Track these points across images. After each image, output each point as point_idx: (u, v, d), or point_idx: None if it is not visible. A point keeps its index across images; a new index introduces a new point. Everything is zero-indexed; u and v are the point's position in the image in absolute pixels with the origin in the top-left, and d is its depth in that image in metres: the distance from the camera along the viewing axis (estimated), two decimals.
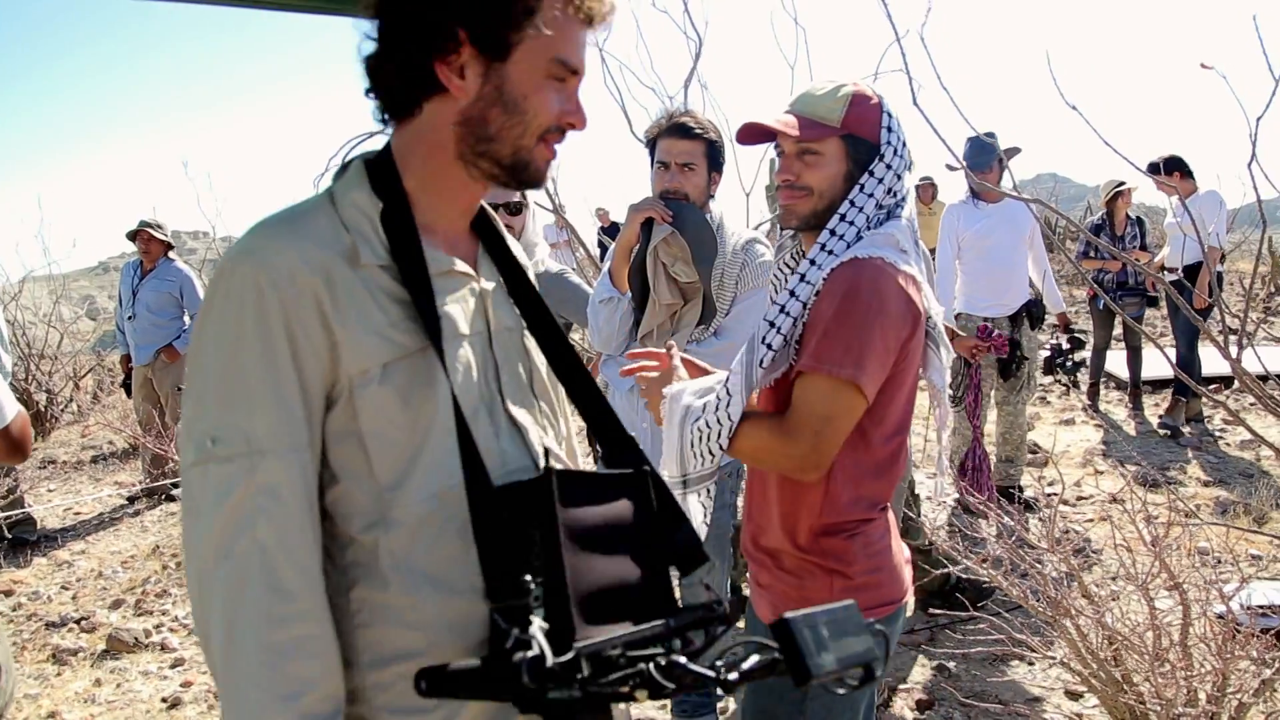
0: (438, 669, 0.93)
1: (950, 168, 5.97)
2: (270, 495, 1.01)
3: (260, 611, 1.00)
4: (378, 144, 1.19)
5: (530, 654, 0.87)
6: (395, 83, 1.11)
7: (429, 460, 1.10)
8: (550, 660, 0.86)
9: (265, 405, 1.02)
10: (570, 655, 0.87)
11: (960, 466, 4.51)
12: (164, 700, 3.60)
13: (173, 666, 3.89)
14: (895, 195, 1.73)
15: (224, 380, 1.03)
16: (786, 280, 1.90)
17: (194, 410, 1.04)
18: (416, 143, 1.14)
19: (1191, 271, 6.30)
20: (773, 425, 1.65)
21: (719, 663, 0.90)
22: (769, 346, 1.67)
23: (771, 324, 1.68)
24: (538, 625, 0.91)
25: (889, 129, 1.71)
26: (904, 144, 1.73)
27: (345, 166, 1.17)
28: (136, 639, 4.05)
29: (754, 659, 0.91)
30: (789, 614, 0.88)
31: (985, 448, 4.53)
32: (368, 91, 1.14)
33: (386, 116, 1.15)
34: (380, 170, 1.14)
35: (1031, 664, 3.43)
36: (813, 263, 1.68)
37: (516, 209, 3.08)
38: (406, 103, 1.12)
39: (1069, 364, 5.18)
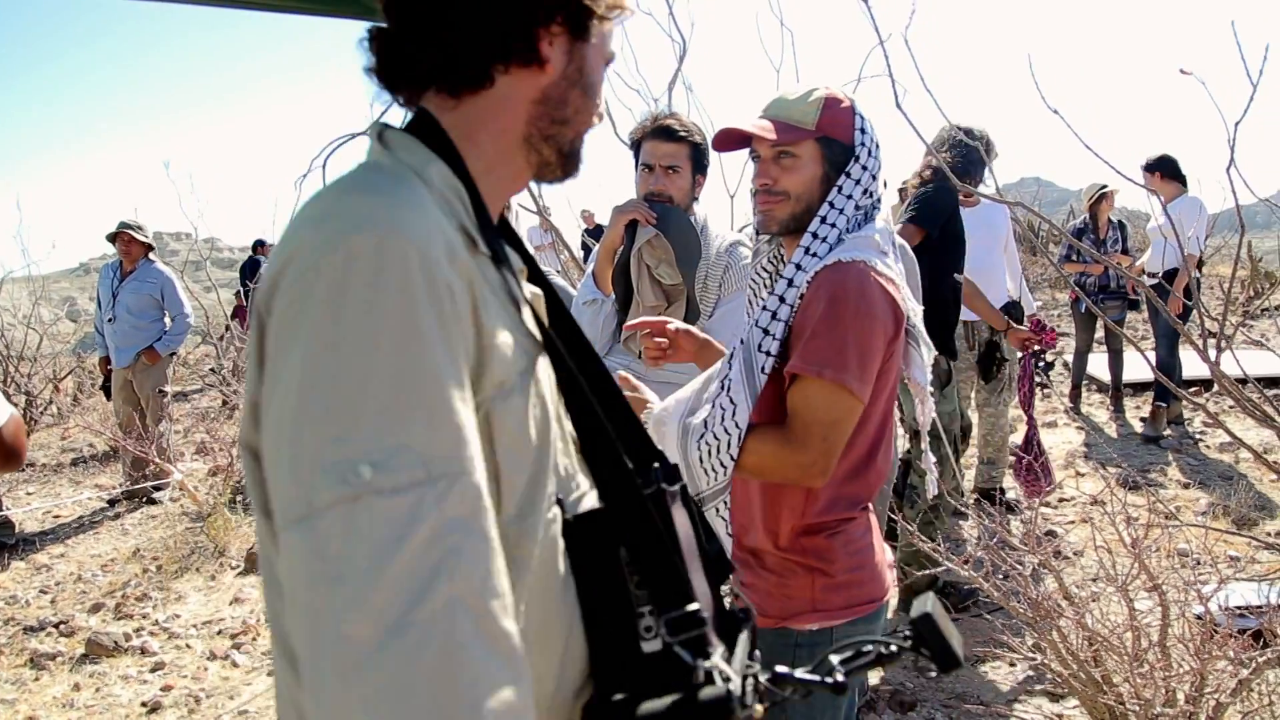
0: None
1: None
2: (466, 530, 0.77)
3: (479, 687, 0.73)
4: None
5: (732, 686, 0.83)
6: (478, 46, 0.96)
7: (548, 484, 0.94)
8: (739, 688, 0.84)
9: (448, 415, 0.79)
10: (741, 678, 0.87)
11: (1021, 454, 4.54)
12: (144, 705, 3.57)
13: (153, 670, 3.86)
14: (871, 196, 1.76)
15: (384, 386, 0.77)
16: (770, 285, 1.91)
17: (324, 430, 0.75)
18: (488, 118, 0.99)
19: (1171, 277, 6.35)
20: (779, 436, 1.65)
21: (820, 665, 0.93)
22: (768, 354, 1.68)
23: (766, 331, 1.70)
24: (720, 655, 0.86)
25: (862, 130, 1.73)
26: (877, 145, 1.75)
27: (379, 135, 0.98)
28: (116, 643, 4.02)
29: (850, 658, 0.94)
30: (928, 609, 0.94)
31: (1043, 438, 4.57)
32: (417, 56, 0.97)
33: (450, 87, 0.98)
34: (441, 146, 0.96)
35: (1013, 665, 3.45)
36: (798, 266, 1.70)
37: None
38: (481, 72, 0.97)
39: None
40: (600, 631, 0.93)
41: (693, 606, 0.87)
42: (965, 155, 3.98)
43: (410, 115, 1.00)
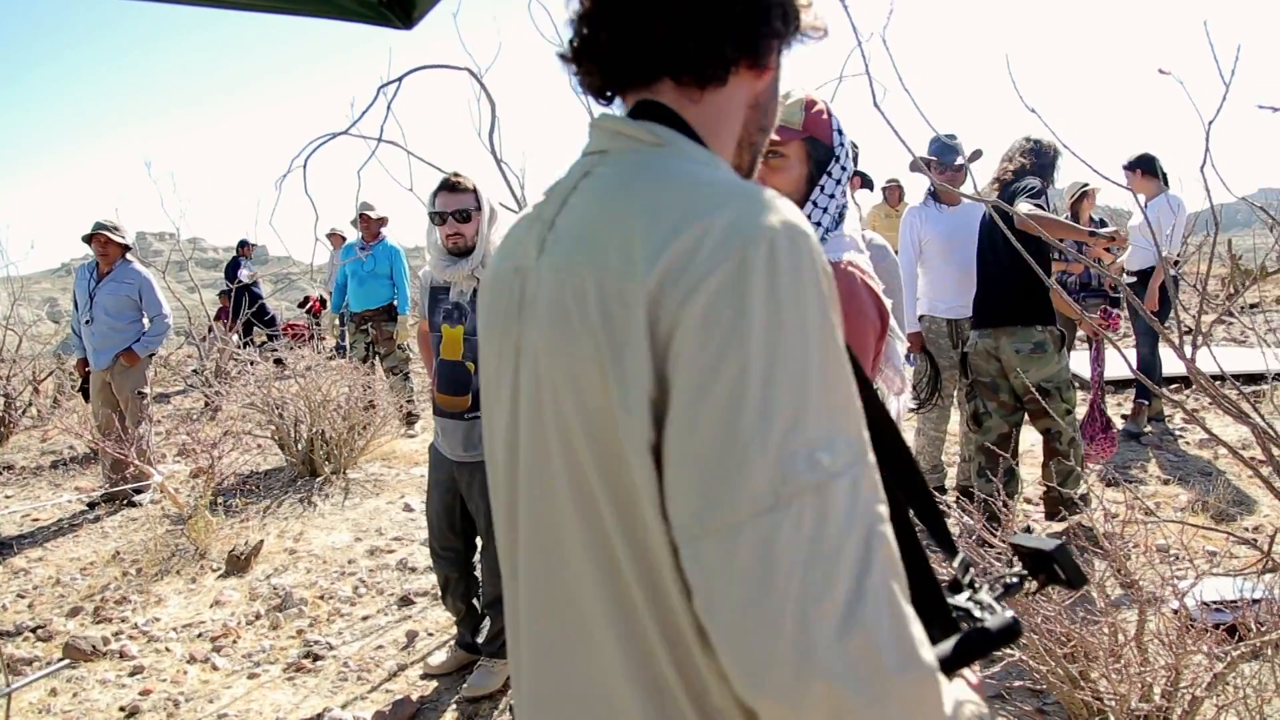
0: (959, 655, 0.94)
1: (918, 162, 6.00)
2: (879, 503, 0.82)
3: (917, 627, 0.80)
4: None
5: (1007, 614, 0.95)
6: (728, 39, 0.96)
7: None
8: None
9: (856, 399, 0.84)
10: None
11: (1094, 423, 4.76)
12: (122, 709, 3.54)
13: (131, 674, 3.83)
14: (845, 195, 1.78)
15: (820, 375, 0.80)
16: None
17: (780, 422, 0.78)
18: (724, 116, 1.00)
19: (1147, 276, 6.39)
20: None
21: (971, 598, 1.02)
22: None
23: None
24: (987, 588, 1.01)
25: (839, 131, 1.75)
26: (854, 145, 1.77)
27: (647, 127, 0.96)
28: (94, 647, 3.98)
29: (991, 589, 1.04)
30: (1061, 541, 1.05)
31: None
32: (666, 41, 0.95)
33: (698, 77, 0.97)
34: (698, 140, 0.97)
35: (992, 661, 3.46)
36: None
37: (465, 217, 3.13)
38: (724, 67, 0.97)
39: None
40: None
41: (961, 553, 1.00)
42: (1048, 161, 4.48)
43: (637, 108, 0.98)
